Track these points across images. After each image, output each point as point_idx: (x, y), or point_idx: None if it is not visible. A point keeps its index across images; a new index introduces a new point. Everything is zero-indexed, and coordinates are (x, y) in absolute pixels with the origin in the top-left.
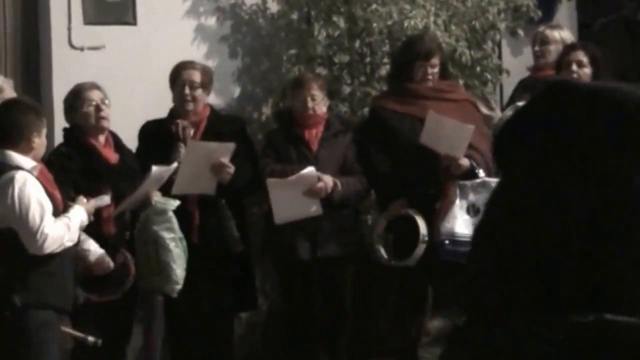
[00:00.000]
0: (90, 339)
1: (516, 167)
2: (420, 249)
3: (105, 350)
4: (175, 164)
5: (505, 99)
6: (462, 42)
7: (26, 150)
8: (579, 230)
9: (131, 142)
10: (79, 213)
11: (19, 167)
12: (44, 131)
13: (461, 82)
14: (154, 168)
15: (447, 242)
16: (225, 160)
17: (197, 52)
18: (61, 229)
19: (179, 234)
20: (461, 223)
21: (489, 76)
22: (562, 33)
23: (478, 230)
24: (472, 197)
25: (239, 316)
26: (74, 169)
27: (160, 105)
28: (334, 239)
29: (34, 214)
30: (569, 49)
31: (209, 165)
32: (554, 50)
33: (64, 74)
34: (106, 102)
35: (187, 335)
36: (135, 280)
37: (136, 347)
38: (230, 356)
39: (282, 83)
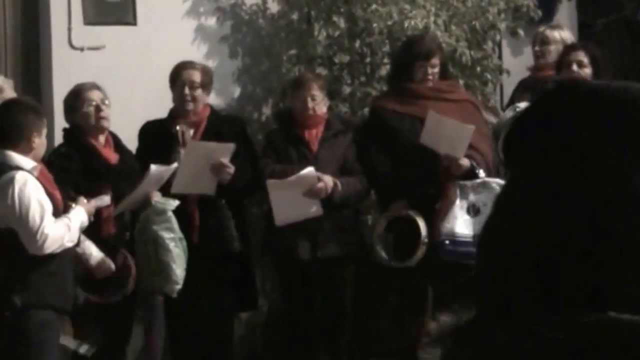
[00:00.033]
0: (84, 346)
1: (517, 168)
2: (421, 251)
3: (105, 351)
4: (175, 164)
5: (506, 99)
6: (462, 42)
7: (26, 150)
8: (579, 230)
9: (131, 142)
10: (80, 214)
11: (19, 168)
12: (44, 131)
13: (461, 82)
14: (153, 167)
15: (447, 242)
16: (225, 160)
17: (197, 52)
18: (61, 229)
19: (179, 234)
20: (461, 223)
21: (489, 76)
22: (562, 33)
23: (482, 230)
24: (472, 197)
25: (239, 316)
26: (74, 169)
27: (161, 105)
28: (334, 239)
29: (34, 214)
30: (569, 49)
31: (208, 165)
32: (554, 51)
33: (64, 74)
34: (106, 102)
35: (187, 335)
36: (136, 280)
37: (136, 348)
38: (230, 356)
39: (282, 83)
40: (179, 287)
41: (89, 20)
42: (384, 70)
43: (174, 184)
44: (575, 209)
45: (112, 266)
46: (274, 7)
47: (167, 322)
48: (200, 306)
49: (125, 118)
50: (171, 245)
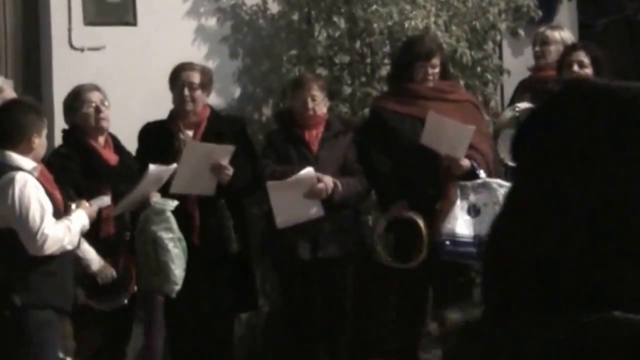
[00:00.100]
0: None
1: (520, 168)
2: (423, 253)
3: (105, 351)
4: (174, 165)
5: (506, 99)
6: (462, 43)
7: (26, 150)
8: (579, 230)
9: (131, 143)
10: (81, 217)
11: (19, 168)
12: (45, 132)
13: (462, 82)
14: (152, 167)
15: (447, 242)
16: (224, 162)
17: (197, 53)
18: (62, 230)
19: (178, 234)
20: (462, 224)
21: (489, 77)
22: (563, 34)
23: (489, 230)
24: (472, 197)
25: (239, 316)
26: (74, 170)
27: (161, 106)
28: (334, 239)
29: (34, 214)
30: (570, 49)
31: (208, 166)
32: (554, 51)
33: (64, 74)
34: (106, 103)
35: (187, 335)
36: (135, 281)
37: (136, 348)
38: (230, 356)
39: (282, 83)
40: (178, 287)
41: (89, 21)
42: (385, 71)
43: (173, 184)
44: (575, 209)
45: (114, 273)
46: (274, 8)
47: (167, 322)
48: (200, 306)
49: (125, 118)
50: (170, 245)
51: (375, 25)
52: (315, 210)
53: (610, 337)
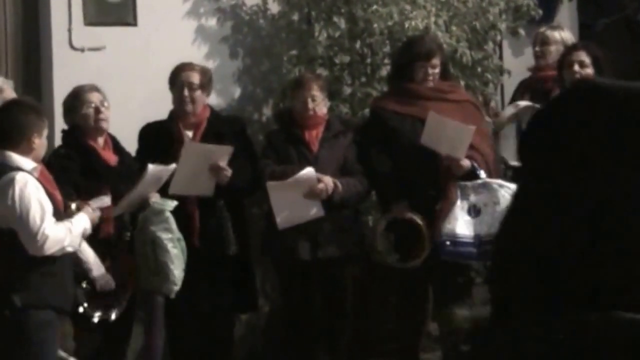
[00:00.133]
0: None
1: (524, 169)
2: (425, 253)
3: (106, 351)
4: (173, 165)
5: (507, 99)
6: (462, 43)
7: (26, 151)
8: (579, 230)
9: (131, 143)
10: (83, 220)
11: (19, 169)
12: (45, 132)
13: (462, 83)
14: (151, 167)
15: (448, 242)
16: (223, 163)
17: (197, 53)
18: (62, 231)
19: (177, 235)
20: (462, 224)
21: (489, 77)
22: (563, 34)
23: (497, 231)
24: (473, 198)
25: (239, 317)
26: (74, 170)
27: (161, 106)
28: (334, 239)
29: (35, 215)
30: (570, 49)
31: (206, 166)
32: (554, 51)
33: (65, 74)
34: (105, 104)
35: (187, 336)
36: (135, 281)
37: (136, 348)
38: (230, 357)
39: (282, 84)
40: (177, 288)
41: (90, 21)
42: (385, 71)
43: (171, 185)
44: (575, 209)
45: (113, 284)
46: (274, 8)
47: (167, 322)
48: (200, 307)
49: (125, 118)
50: (169, 245)
51: (375, 25)
52: (315, 210)
53: (611, 337)
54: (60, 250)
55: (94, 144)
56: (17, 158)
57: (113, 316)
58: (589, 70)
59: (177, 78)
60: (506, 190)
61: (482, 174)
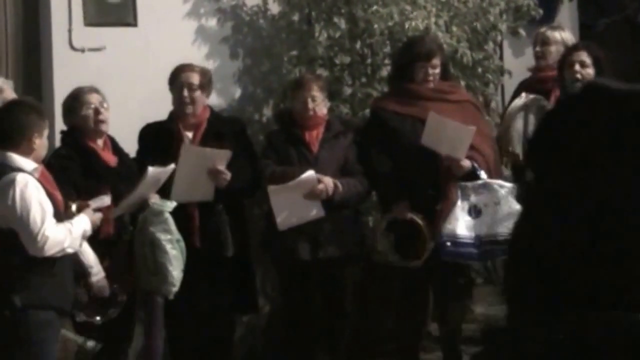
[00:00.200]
0: (90, 344)
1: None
2: (426, 254)
3: (106, 352)
4: (172, 165)
5: (507, 99)
6: (463, 43)
7: (27, 151)
8: (579, 230)
9: (131, 144)
10: (83, 221)
11: (20, 169)
12: (46, 132)
13: (462, 83)
14: (150, 169)
15: (448, 243)
16: (222, 167)
17: (197, 53)
18: (62, 233)
19: (177, 236)
20: (463, 224)
21: (490, 77)
22: (563, 34)
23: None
24: (473, 198)
25: (239, 317)
26: (74, 170)
27: (161, 106)
28: (334, 239)
29: (35, 216)
30: (571, 49)
31: (205, 170)
32: (554, 51)
33: (65, 75)
34: (105, 105)
35: (187, 336)
36: (135, 282)
37: (137, 348)
38: (230, 357)
39: (282, 84)
40: (175, 289)
41: (90, 21)
42: (385, 71)
43: (172, 193)
44: (575, 209)
45: (107, 291)
46: (274, 8)
47: (167, 322)
48: (199, 307)
49: (126, 119)
50: (168, 247)
51: (375, 25)
52: (315, 211)
53: (611, 337)
54: (61, 251)
55: (94, 145)
56: (17, 159)
57: (112, 315)
58: (590, 71)
59: (177, 79)
60: (507, 191)
61: (483, 174)
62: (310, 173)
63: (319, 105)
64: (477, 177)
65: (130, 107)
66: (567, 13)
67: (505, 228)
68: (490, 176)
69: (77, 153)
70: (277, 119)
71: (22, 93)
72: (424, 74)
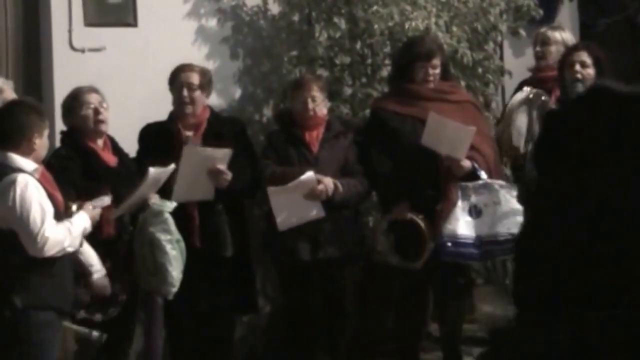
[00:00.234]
0: (95, 333)
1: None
2: (427, 254)
3: (107, 352)
4: (172, 166)
5: (507, 100)
6: (463, 43)
7: (27, 151)
8: (578, 230)
9: (132, 144)
10: (83, 219)
11: (20, 170)
12: (46, 132)
13: (463, 83)
14: (151, 170)
15: (449, 243)
16: (222, 167)
17: (198, 54)
18: (62, 233)
19: (177, 236)
20: (463, 225)
21: (490, 77)
22: (563, 34)
23: None
24: (474, 198)
25: (239, 317)
26: (74, 170)
27: (161, 107)
28: (334, 240)
29: (35, 217)
30: (572, 49)
31: (205, 170)
32: (554, 51)
33: (65, 75)
34: (104, 105)
35: (187, 336)
36: (135, 282)
37: (137, 348)
38: (231, 357)
39: (283, 84)
40: (175, 289)
41: (90, 22)
42: (385, 72)
43: (174, 193)
44: (575, 209)
45: (109, 290)
46: (274, 8)
47: (167, 322)
48: (199, 307)
49: (126, 119)
50: (168, 247)
51: (375, 26)
52: (315, 211)
53: (610, 336)
54: (61, 251)
55: (94, 145)
56: (18, 159)
57: (112, 314)
58: (590, 71)
59: (177, 79)
60: (507, 191)
61: (483, 174)
62: (309, 174)
63: (319, 105)
64: (478, 178)
65: (130, 107)
66: (567, 13)
67: (505, 228)
68: (490, 176)
69: (76, 153)
70: (277, 119)
71: (22, 93)
72: (424, 74)
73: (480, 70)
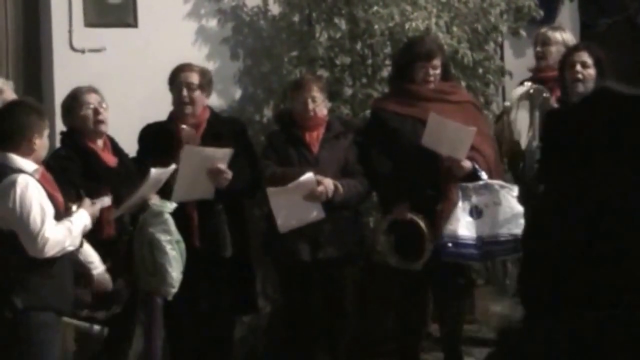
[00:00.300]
0: (96, 327)
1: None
2: (427, 254)
3: (107, 353)
4: (173, 166)
5: None
6: (463, 44)
7: (27, 152)
8: (578, 230)
9: (132, 144)
10: (83, 217)
11: (20, 170)
12: (46, 133)
13: (463, 83)
14: (153, 170)
15: (449, 244)
16: (223, 166)
17: (198, 54)
18: (62, 233)
19: (177, 237)
20: (464, 225)
21: (491, 78)
22: (564, 34)
23: None
24: (474, 199)
25: (239, 318)
26: (74, 171)
27: (161, 107)
28: (334, 240)
29: (35, 217)
30: (572, 49)
31: (205, 170)
32: (555, 52)
33: (65, 76)
34: (104, 105)
35: (186, 337)
36: (135, 282)
37: (137, 349)
38: (231, 357)
39: (283, 85)
40: (174, 290)
41: (90, 22)
42: (385, 72)
43: (174, 194)
44: (575, 209)
45: (110, 285)
46: (275, 9)
47: (167, 323)
48: (199, 307)
49: (126, 119)
50: (167, 247)
51: (376, 26)
52: (315, 213)
53: (610, 336)
54: (61, 251)
55: (94, 145)
56: (18, 160)
57: (115, 311)
58: (591, 71)
59: (176, 79)
60: (507, 191)
61: (483, 175)
62: (309, 175)
63: (319, 106)
64: (478, 178)
65: (130, 108)
66: (567, 13)
67: (506, 229)
68: (490, 177)
69: (76, 154)
70: (277, 119)
71: (23, 94)
72: (425, 74)
73: (480, 70)
